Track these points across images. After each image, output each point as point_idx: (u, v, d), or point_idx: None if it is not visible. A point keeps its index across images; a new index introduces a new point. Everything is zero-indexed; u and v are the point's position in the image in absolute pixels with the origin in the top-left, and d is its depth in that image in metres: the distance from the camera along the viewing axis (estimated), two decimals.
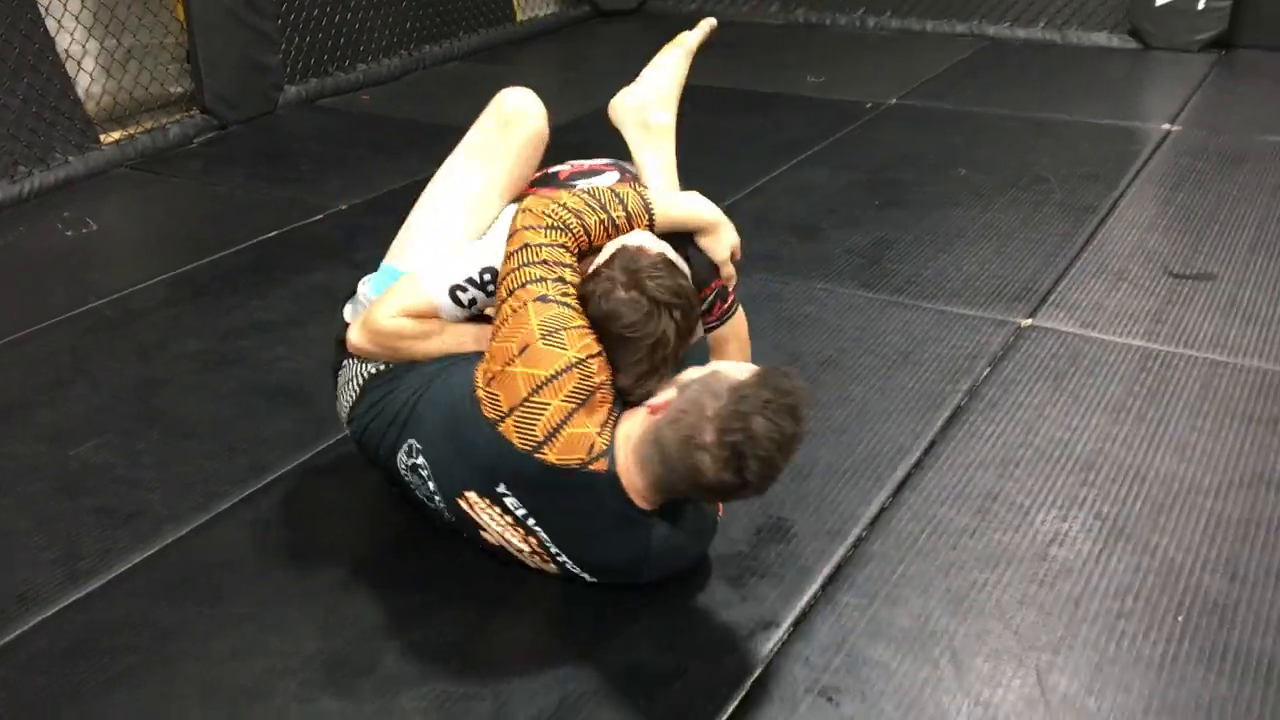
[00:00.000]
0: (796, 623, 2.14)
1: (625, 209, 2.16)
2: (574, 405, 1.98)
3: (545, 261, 2.06)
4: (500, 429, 2.00)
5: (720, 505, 2.25)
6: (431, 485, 2.15)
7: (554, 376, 1.97)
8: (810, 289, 3.52)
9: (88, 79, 4.95)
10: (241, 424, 2.84)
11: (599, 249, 2.16)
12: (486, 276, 2.18)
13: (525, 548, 2.11)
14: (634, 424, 2.01)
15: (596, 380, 2.00)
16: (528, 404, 1.97)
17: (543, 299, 2.02)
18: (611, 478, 1.98)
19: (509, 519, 2.07)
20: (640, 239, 2.15)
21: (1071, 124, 5.01)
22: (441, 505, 2.16)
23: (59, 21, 4.78)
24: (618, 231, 2.15)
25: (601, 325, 2.04)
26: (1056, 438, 2.72)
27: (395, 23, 6.18)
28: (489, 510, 2.08)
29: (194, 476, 2.62)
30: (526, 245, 2.08)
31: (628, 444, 1.99)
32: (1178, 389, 2.90)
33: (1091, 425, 2.76)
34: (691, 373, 2.05)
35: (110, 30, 5.02)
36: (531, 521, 2.06)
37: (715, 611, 2.17)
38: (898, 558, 2.32)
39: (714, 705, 1.94)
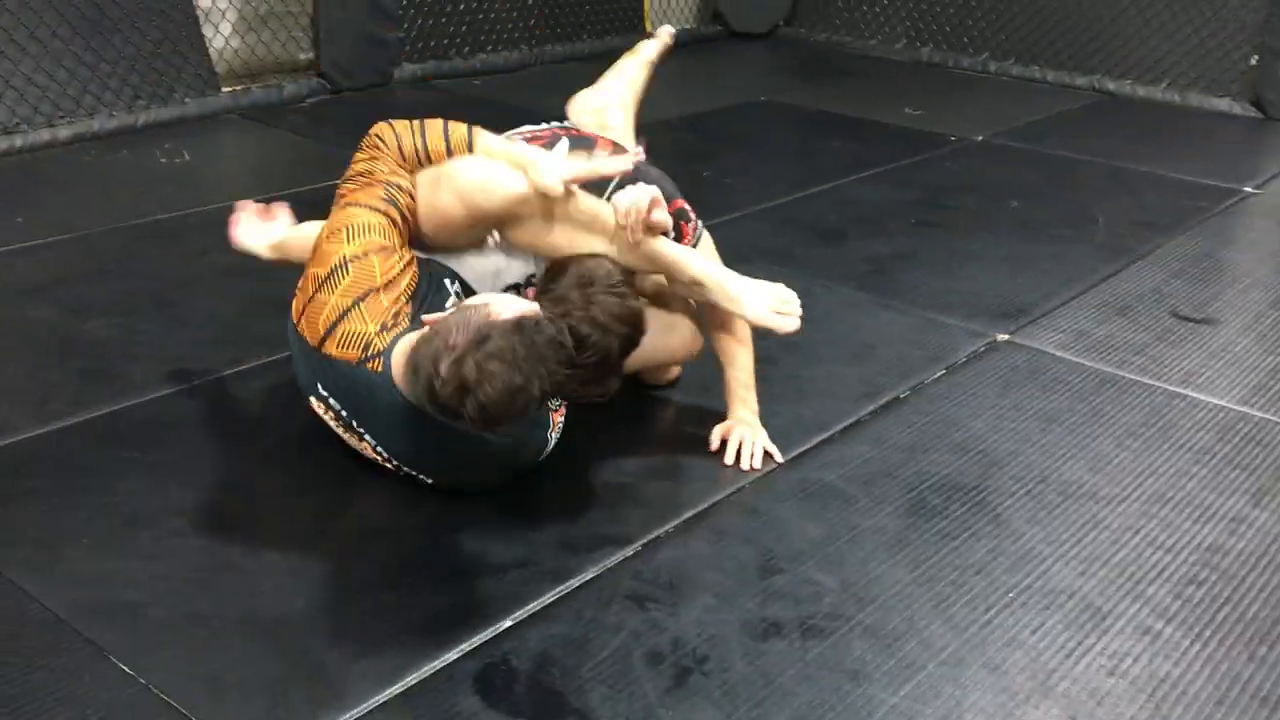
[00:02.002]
0: (646, 545, 2.28)
1: (447, 142, 2.32)
2: (349, 302, 2.13)
3: (361, 173, 2.28)
4: (299, 328, 2.21)
5: (556, 422, 2.37)
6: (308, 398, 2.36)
7: (330, 274, 2.15)
8: (808, 285, 3.59)
9: (222, 40, 5.42)
10: (238, 324, 3.13)
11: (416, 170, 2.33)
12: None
13: (365, 450, 2.30)
14: (415, 334, 2.11)
15: (377, 280, 2.16)
16: (313, 301, 2.17)
17: (347, 205, 2.23)
18: (386, 378, 2.11)
19: (339, 422, 2.27)
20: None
21: (1147, 175, 4.95)
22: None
23: None
24: (430, 160, 2.31)
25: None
26: (977, 434, 2.77)
27: (520, 18, 6.52)
28: (326, 415, 2.29)
29: (176, 358, 2.92)
30: (356, 165, 2.32)
31: (404, 351, 2.09)
32: (1123, 412, 2.91)
33: (1017, 429, 2.80)
34: (475, 299, 2.16)
35: None
36: (353, 422, 2.24)
37: (578, 523, 2.32)
38: (766, 510, 2.43)
39: (534, 593, 2.10)
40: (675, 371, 2.92)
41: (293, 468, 2.46)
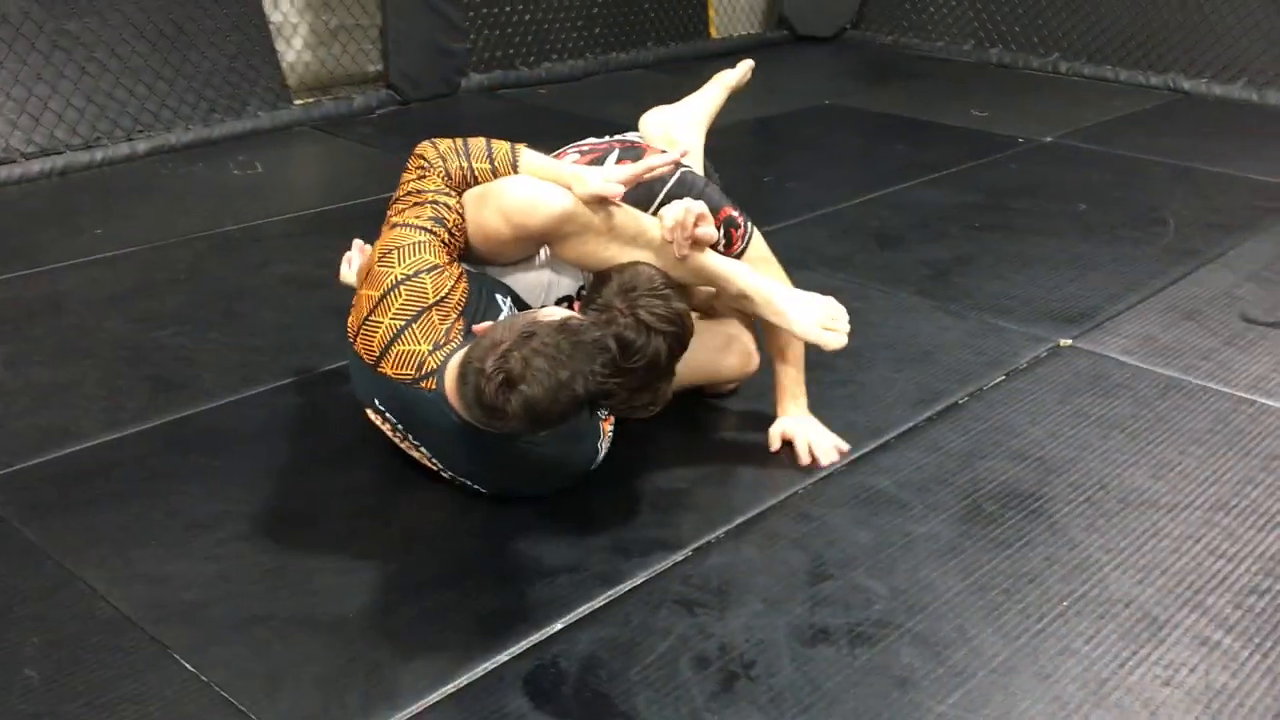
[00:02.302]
0: (696, 551, 2.29)
1: (491, 162, 2.36)
2: (402, 323, 2.18)
3: (410, 192, 2.32)
4: (355, 347, 2.25)
5: (605, 432, 2.40)
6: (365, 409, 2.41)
7: (383, 296, 2.19)
8: (866, 289, 3.62)
9: (294, 54, 5.54)
10: (303, 333, 3.21)
11: (463, 189, 2.37)
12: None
13: (420, 458, 2.35)
14: (466, 349, 2.13)
15: (429, 299, 2.20)
16: (368, 323, 2.21)
17: (398, 225, 2.27)
18: (439, 396, 2.15)
19: (395, 433, 2.32)
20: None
21: (1220, 176, 4.85)
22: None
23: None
24: (476, 179, 2.36)
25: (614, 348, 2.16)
26: (1035, 440, 2.74)
27: (584, 27, 6.58)
28: (384, 425, 2.34)
29: (243, 366, 3.00)
30: (405, 186, 2.37)
31: (455, 367, 2.12)
32: (1188, 418, 2.86)
33: (1077, 436, 2.77)
34: (524, 312, 2.21)
35: (318, 7, 5.61)
36: (409, 435, 2.29)
37: (629, 528, 2.34)
38: (818, 516, 2.43)
39: (583, 596, 2.13)
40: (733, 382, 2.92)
41: (351, 472, 2.52)
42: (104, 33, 4.70)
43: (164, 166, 4.70)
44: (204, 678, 1.90)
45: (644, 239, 2.37)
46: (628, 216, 2.38)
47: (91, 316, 3.27)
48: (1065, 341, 3.27)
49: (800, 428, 2.67)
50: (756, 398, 2.84)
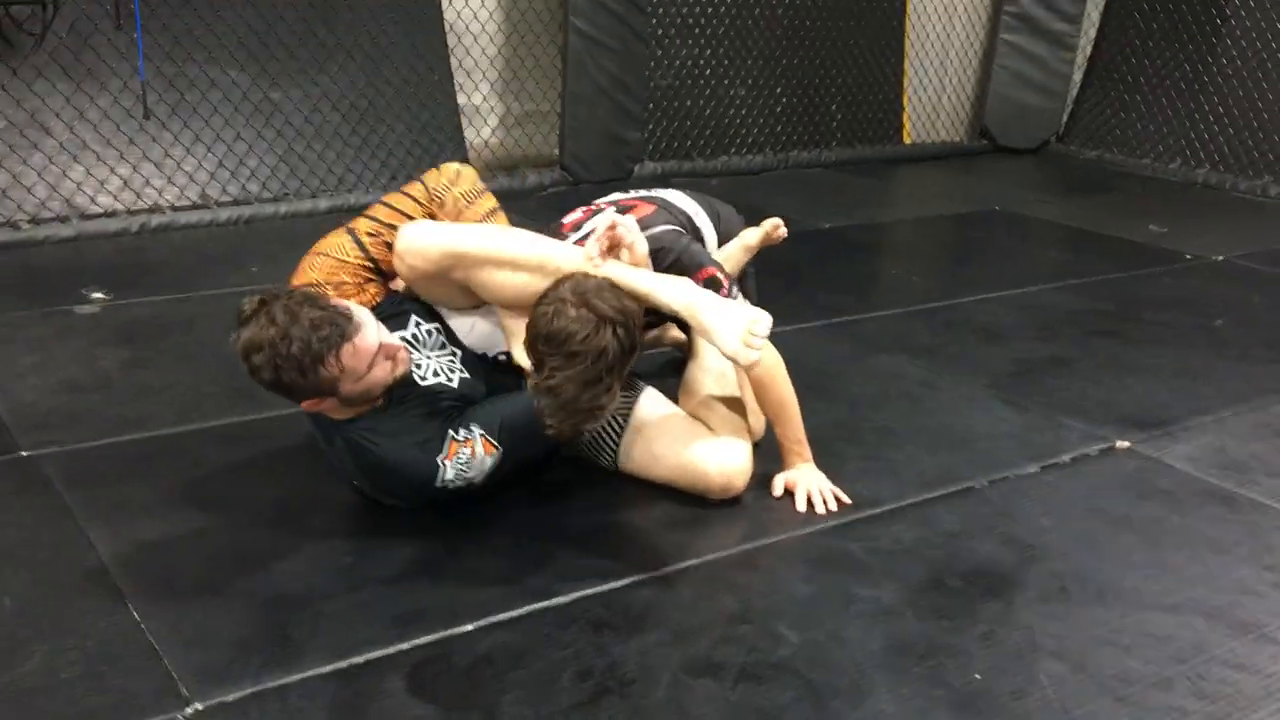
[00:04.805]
0: (633, 583, 2.37)
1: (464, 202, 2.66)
2: None
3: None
4: None
5: (453, 452, 2.46)
6: None
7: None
8: (936, 378, 3.59)
9: (481, 136, 6.01)
10: None
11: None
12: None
13: None
14: None
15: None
16: None
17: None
18: None
19: None
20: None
21: None
22: None
23: (471, 80, 5.90)
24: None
25: (548, 342, 2.32)
26: (1036, 529, 2.66)
27: (766, 124, 6.79)
28: None
29: None
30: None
31: None
32: (1217, 528, 2.71)
33: (1084, 530, 2.67)
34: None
35: (509, 95, 6.08)
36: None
37: (581, 555, 2.44)
38: (769, 568, 2.47)
39: (506, 605, 2.25)
40: (756, 435, 2.97)
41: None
42: (303, 103, 5.28)
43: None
44: (143, 626, 2.14)
45: (551, 266, 2.46)
46: (530, 246, 2.51)
47: (211, 336, 3.67)
48: (1123, 444, 3.14)
49: (802, 478, 2.72)
50: (772, 444, 2.88)
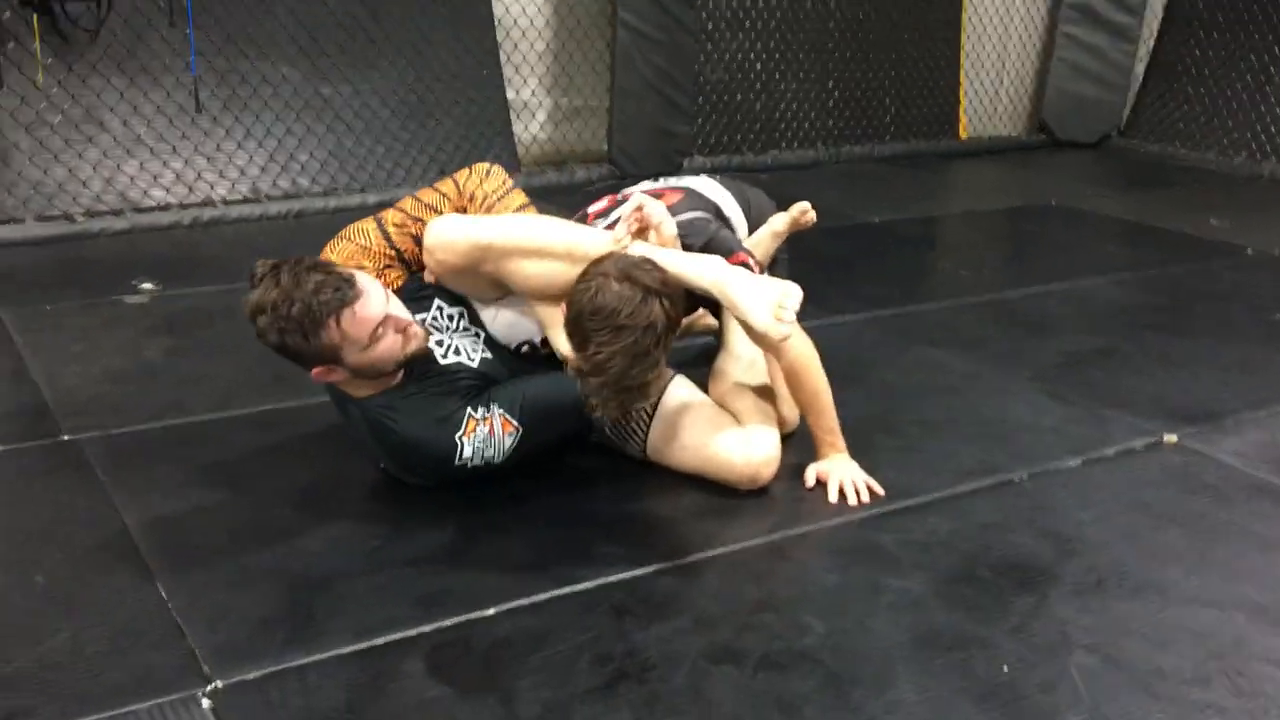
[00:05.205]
0: (658, 571, 2.35)
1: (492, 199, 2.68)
2: None
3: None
4: None
5: (471, 430, 2.47)
6: None
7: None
8: (980, 369, 3.53)
9: (530, 131, 6.03)
10: None
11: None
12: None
13: None
14: None
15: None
16: None
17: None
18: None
19: None
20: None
21: None
22: None
23: (520, 74, 5.92)
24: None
25: (594, 317, 2.30)
26: (1076, 522, 2.60)
27: (818, 118, 6.73)
28: None
29: None
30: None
31: None
32: (1265, 524, 2.63)
33: (1126, 524, 2.60)
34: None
35: (558, 90, 6.09)
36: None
37: (607, 542, 2.43)
38: (796, 557, 2.43)
39: (529, 589, 2.24)
40: (790, 425, 2.94)
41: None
42: (353, 99, 5.33)
43: None
44: (169, 604, 2.16)
45: (580, 252, 2.44)
46: (557, 233, 2.50)
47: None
48: (1170, 438, 3.06)
49: (835, 469, 2.68)
50: (805, 435, 2.84)
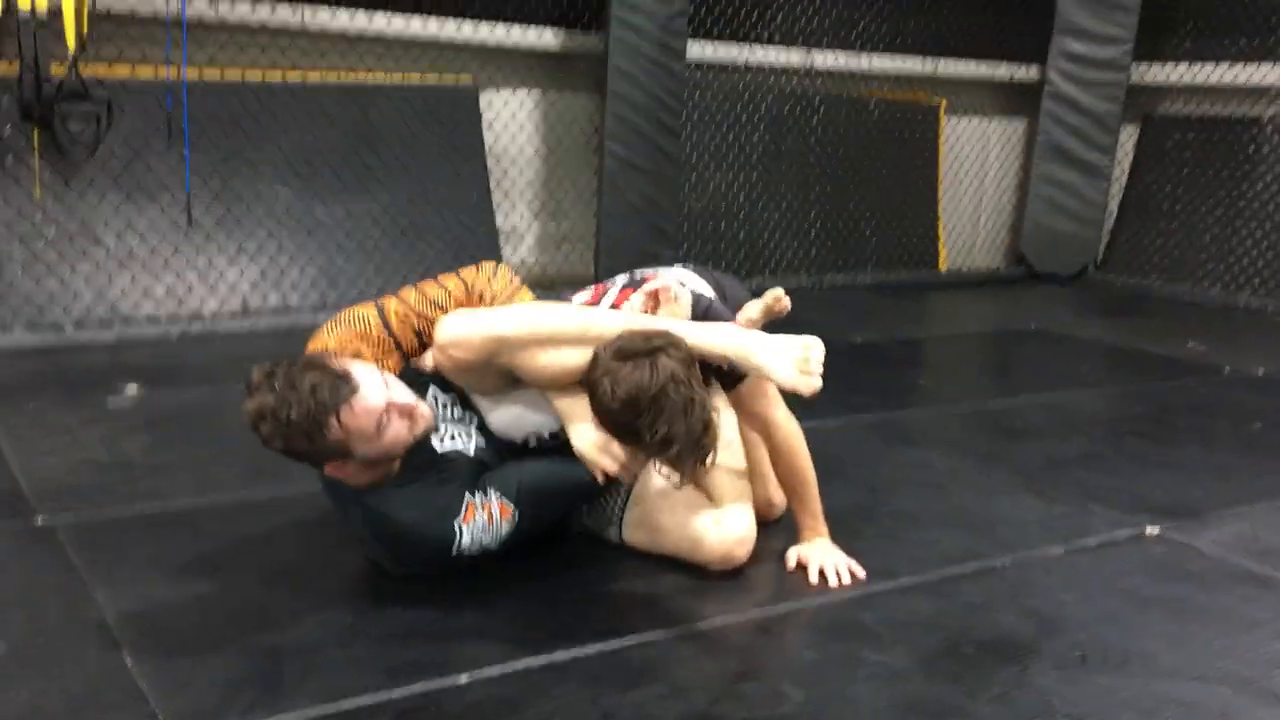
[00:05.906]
0: (639, 644, 2.31)
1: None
2: None
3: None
4: None
5: (469, 517, 2.44)
6: None
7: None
8: (962, 467, 3.53)
9: (516, 256, 6.15)
10: None
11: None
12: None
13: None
14: None
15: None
16: None
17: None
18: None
19: None
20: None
21: None
22: None
23: (509, 200, 6.06)
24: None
25: (631, 409, 2.31)
26: (1059, 603, 2.57)
27: (800, 248, 6.87)
28: None
29: None
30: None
31: None
32: (1250, 606, 2.61)
33: (1109, 606, 2.58)
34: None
35: (546, 215, 6.23)
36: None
37: (590, 616, 2.39)
38: (779, 632, 2.40)
39: (504, 657, 2.20)
40: (776, 511, 2.93)
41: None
42: (347, 222, 5.44)
43: None
44: (132, 671, 2.11)
45: (593, 333, 2.44)
46: (568, 318, 2.48)
47: (237, 420, 3.70)
48: (1152, 530, 3.05)
49: (816, 552, 2.67)
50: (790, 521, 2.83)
